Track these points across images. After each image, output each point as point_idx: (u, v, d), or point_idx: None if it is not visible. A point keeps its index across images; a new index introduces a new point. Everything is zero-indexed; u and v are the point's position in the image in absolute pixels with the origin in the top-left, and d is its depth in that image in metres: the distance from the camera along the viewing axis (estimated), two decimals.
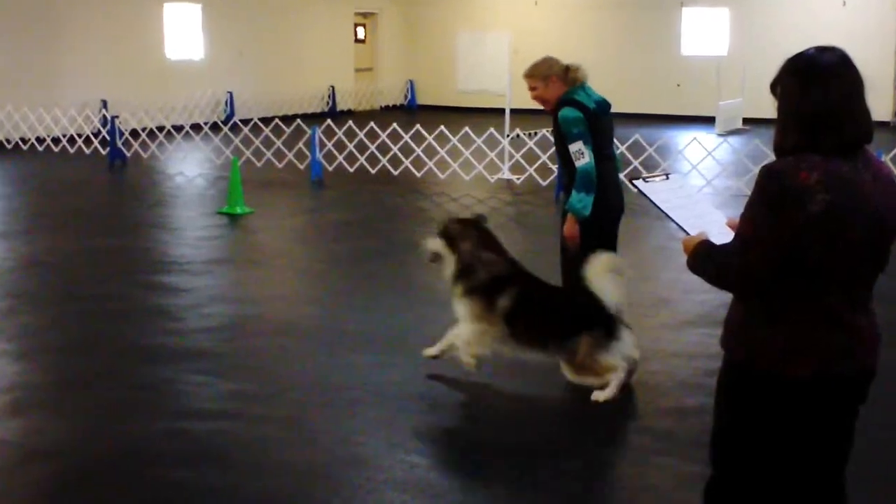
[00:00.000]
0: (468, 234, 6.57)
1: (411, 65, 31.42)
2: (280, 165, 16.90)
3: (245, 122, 20.22)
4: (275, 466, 5.42)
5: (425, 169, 15.97)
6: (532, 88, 6.79)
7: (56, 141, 19.92)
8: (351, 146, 16.91)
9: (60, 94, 21.61)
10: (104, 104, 21.89)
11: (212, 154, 18.10)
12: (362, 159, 16.57)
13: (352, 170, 16.43)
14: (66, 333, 7.99)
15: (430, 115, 26.35)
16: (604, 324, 6.23)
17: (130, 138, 18.93)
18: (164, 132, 19.21)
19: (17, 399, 6.47)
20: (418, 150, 16.29)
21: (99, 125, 20.30)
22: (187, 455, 5.56)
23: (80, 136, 20.04)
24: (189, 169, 17.35)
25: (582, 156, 6.45)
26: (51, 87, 21.90)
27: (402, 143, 16.57)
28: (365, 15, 30.73)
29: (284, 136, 17.65)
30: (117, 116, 18.69)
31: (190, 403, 6.42)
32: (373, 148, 16.72)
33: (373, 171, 16.27)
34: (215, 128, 21.29)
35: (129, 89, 22.81)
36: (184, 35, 25.48)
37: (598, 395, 6.23)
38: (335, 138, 17.13)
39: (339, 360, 7.18)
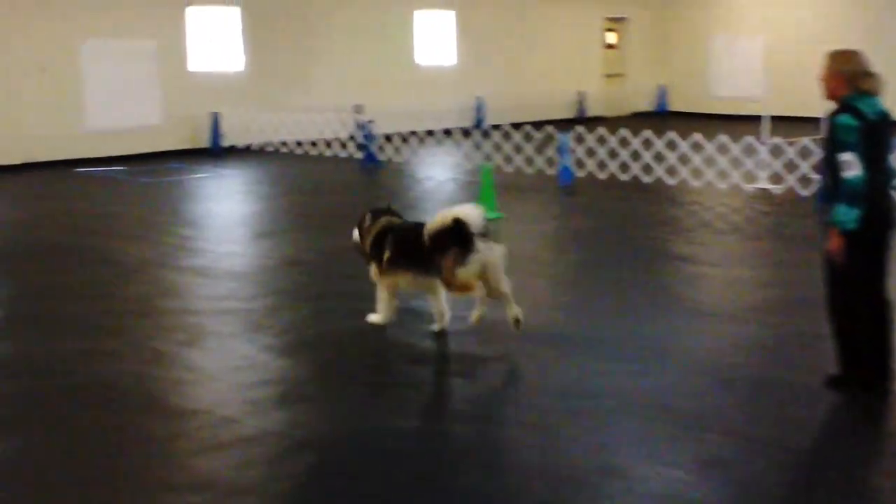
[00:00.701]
0: (369, 220, 8.00)
1: (662, 70, 30.96)
2: (530, 171, 16.95)
3: (495, 127, 20.40)
4: (529, 470, 5.38)
5: (678, 177, 15.65)
6: (824, 68, 6.47)
7: (314, 144, 20.68)
8: (601, 152, 16.79)
9: (318, 99, 22.42)
10: (359, 109, 22.50)
11: (462, 159, 18.34)
12: (612, 166, 16.42)
13: (602, 176, 16.30)
14: (326, 330, 8.22)
15: (683, 121, 25.84)
16: (462, 243, 7.30)
17: (384, 142, 19.42)
18: (416, 137, 19.60)
19: (282, 392, 6.70)
20: (671, 158, 15.98)
21: (354, 129, 20.91)
22: (444, 454, 5.60)
23: (336, 139, 20.70)
24: (440, 173, 17.63)
25: (851, 166, 6.10)
26: (309, 91, 22.79)
27: (653, 149, 16.31)
28: (616, 20, 30.50)
29: (534, 142, 17.69)
30: (371, 121, 19.21)
31: (446, 404, 6.49)
32: (624, 154, 16.53)
33: (623, 178, 16.08)
34: (466, 133, 21.58)
35: (383, 94, 23.41)
36: (435, 41, 25.97)
37: (472, 318, 7.74)
38: (585, 144, 17.04)
39: (591, 368, 7.09)
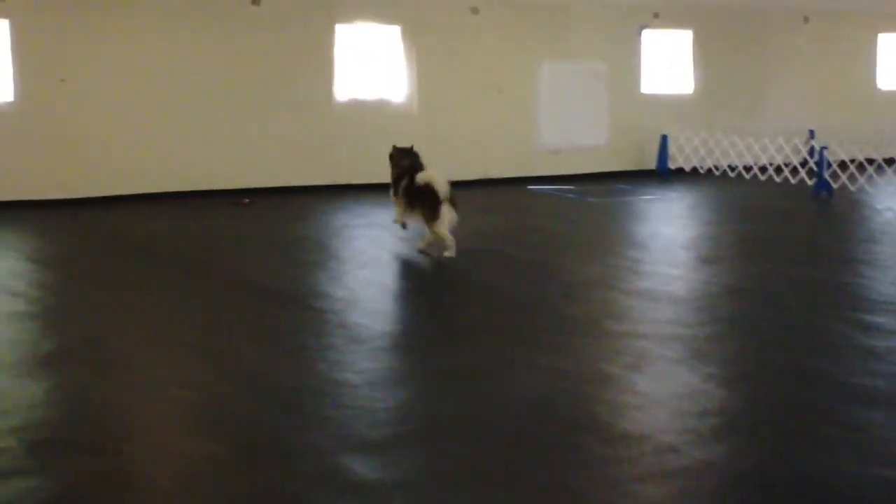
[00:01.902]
0: (398, 154, 12.41)
1: None
2: None
3: None
4: None
5: None
6: None
7: (762, 170, 20.18)
8: None
9: (767, 123, 21.87)
10: (811, 134, 21.75)
11: None
12: None
13: None
14: (768, 362, 8.00)
15: None
16: (436, 199, 11.65)
17: (838, 170, 18.62)
18: (875, 165, 18.63)
19: (723, 423, 6.60)
20: None
21: (806, 155, 20.20)
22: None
23: (786, 165, 20.09)
24: None
25: None
26: (758, 115, 22.31)
27: None
28: None
29: None
30: (826, 147, 18.47)
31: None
32: None
33: None
34: None
35: (838, 119, 22.44)
36: None
37: (447, 254, 11.74)
38: None
39: None
